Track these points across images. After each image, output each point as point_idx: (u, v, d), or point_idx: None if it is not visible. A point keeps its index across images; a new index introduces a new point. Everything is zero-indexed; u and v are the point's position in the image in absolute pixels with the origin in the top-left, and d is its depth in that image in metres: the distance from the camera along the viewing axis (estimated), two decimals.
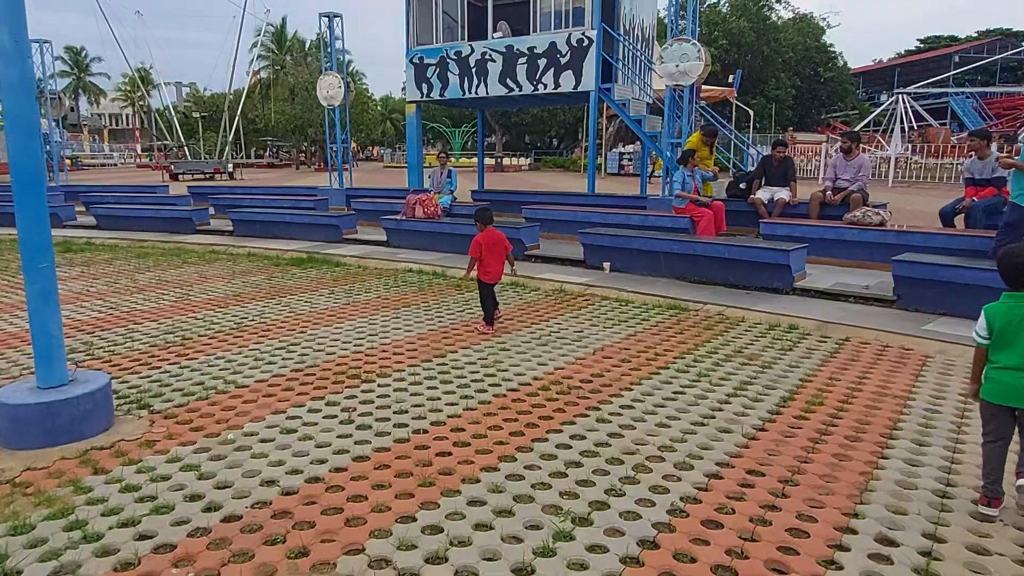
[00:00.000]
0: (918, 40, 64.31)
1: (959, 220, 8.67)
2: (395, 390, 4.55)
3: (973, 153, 8.52)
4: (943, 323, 6.15)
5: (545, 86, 12.98)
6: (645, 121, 12.36)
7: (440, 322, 6.45)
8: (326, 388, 4.58)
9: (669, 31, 11.07)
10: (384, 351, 5.47)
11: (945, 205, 8.75)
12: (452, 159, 45.63)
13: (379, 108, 68.60)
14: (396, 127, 67.28)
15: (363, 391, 4.53)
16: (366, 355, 5.36)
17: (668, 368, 5.01)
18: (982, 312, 2.98)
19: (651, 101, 14.15)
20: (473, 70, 13.93)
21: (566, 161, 46.01)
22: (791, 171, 10.12)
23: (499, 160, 45.20)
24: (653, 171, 20.11)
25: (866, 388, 4.59)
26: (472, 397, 4.40)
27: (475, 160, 44.78)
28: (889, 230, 8.06)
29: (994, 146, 8.31)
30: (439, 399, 4.37)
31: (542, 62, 12.96)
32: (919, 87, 32.45)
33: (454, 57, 14.15)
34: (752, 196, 10.24)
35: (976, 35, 60.18)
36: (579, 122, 47.38)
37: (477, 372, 4.92)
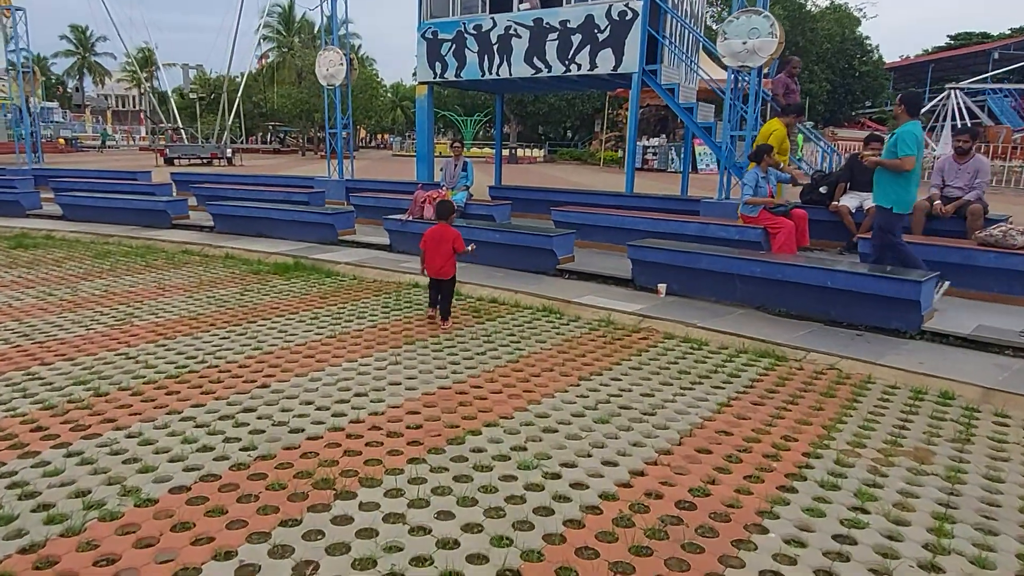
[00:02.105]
0: (948, 37, 62.19)
1: None
2: (386, 518, 2.88)
3: None
4: None
5: (579, 66, 11.26)
6: (696, 110, 10.62)
7: (455, 372, 4.78)
8: (277, 511, 2.92)
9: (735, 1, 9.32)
10: (375, 428, 3.81)
11: None
12: (465, 149, 43.99)
13: (389, 95, 66.93)
14: (406, 115, 65.50)
15: (335, 520, 2.86)
16: (348, 437, 3.69)
17: (803, 476, 3.32)
18: None
19: (697, 87, 12.41)
20: (495, 47, 12.21)
21: (583, 153, 44.23)
22: None
23: (513, 151, 43.38)
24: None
25: None
26: (510, 541, 2.72)
27: (487, 151, 43.09)
28: None
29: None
30: (456, 544, 2.70)
31: (576, 38, 11.24)
32: (970, 83, 30.41)
33: (473, 32, 12.43)
34: (835, 203, 8.51)
35: (1010, 32, 57.98)
36: (597, 112, 45.54)
37: (512, 479, 3.24)
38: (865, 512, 3.02)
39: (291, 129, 56.67)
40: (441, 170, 11.63)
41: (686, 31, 11.80)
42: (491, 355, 5.18)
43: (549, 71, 11.66)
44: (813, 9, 42.27)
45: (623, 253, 7.79)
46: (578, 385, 4.57)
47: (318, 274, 8.25)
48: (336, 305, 6.71)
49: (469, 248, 6.11)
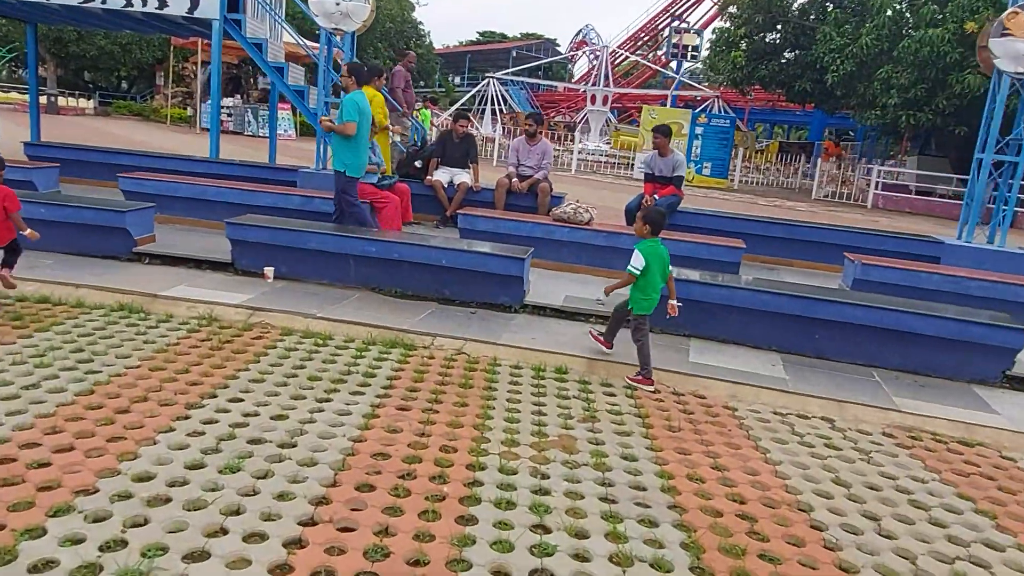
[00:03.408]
0: (478, 32, 71.38)
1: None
2: None
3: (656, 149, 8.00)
4: (701, 351, 5.17)
5: (144, 2, 8.93)
6: (287, 71, 9.41)
7: None
8: None
9: None
10: None
11: (630, 201, 8.14)
12: None
13: None
14: None
15: None
16: None
17: (476, 498, 2.85)
18: (638, 250, 4.34)
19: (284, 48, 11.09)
20: None
21: (145, 108, 37.69)
22: (473, 151, 8.51)
23: (53, 99, 34.77)
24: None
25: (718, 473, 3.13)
26: None
27: (16, 96, 33.70)
28: (599, 230, 7.00)
29: (675, 142, 7.99)
30: None
31: None
32: (502, 74, 34.62)
33: None
34: (430, 177, 8.37)
35: (520, 36, 69.17)
36: (159, 63, 39.23)
37: None
38: (547, 530, 2.67)
39: None
40: None
41: None
42: (48, 389, 3.53)
43: (104, 2, 9.03)
44: None
45: (216, 230, 6.45)
46: (187, 417, 3.36)
47: None
48: None
49: (27, 233, 4.72)
